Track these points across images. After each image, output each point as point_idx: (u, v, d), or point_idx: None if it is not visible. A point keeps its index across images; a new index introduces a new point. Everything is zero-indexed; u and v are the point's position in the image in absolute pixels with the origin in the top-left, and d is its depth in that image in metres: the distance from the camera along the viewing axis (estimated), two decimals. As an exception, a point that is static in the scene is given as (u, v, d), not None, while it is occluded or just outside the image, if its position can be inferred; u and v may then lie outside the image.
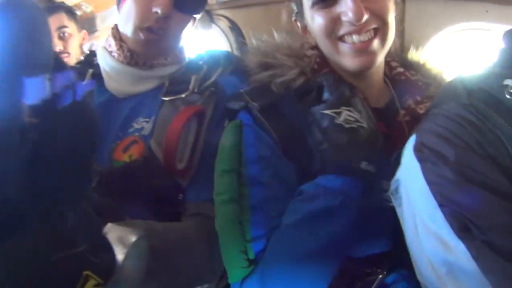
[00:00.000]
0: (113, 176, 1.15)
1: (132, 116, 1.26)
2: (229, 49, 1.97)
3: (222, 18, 1.97)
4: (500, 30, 1.30)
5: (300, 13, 1.10)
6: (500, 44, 0.83)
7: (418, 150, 0.74)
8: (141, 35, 1.24)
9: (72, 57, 2.21)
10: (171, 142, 1.16)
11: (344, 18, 0.99)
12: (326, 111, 0.91)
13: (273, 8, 1.71)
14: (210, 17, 1.99)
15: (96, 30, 2.72)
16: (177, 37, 1.32)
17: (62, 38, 2.22)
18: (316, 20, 1.03)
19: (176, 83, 1.28)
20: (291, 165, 1.00)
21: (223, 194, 0.99)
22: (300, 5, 1.08)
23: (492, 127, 0.70)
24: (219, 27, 1.99)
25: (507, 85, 0.70)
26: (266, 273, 0.91)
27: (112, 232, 0.88)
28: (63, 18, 2.24)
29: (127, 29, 1.26)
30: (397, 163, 0.88)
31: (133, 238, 0.89)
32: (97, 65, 1.36)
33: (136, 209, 1.10)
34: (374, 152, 0.91)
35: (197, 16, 1.34)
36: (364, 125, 0.88)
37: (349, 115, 0.90)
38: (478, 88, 0.76)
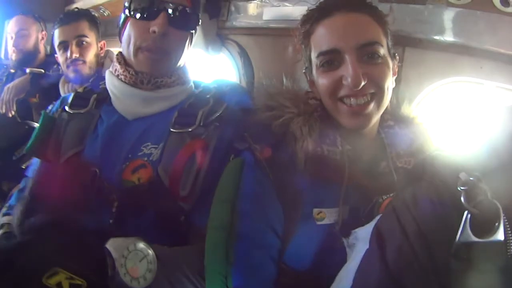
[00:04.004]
0: (125, 196, 1.26)
1: (141, 139, 1.33)
2: (236, 72, 2.04)
3: (232, 43, 2.03)
4: (492, 85, 1.37)
5: (309, 69, 1.18)
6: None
7: (373, 233, 0.82)
8: (142, 56, 1.32)
9: (86, 66, 2.26)
10: (176, 173, 1.25)
11: (344, 82, 1.07)
12: None
13: (280, 40, 1.77)
14: (221, 41, 2.04)
15: (111, 34, 2.74)
16: (178, 54, 1.39)
17: (79, 46, 2.24)
18: (321, 80, 1.13)
19: (184, 115, 1.34)
20: (279, 205, 1.11)
21: (215, 220, 1.13)
22: (309, 62, 1.17)
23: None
24: (228, 51, 2.04)
25: (459, 178, 0.75)
26: None
27: (113, 243, 1.05)
28: (85, 27, 2.27)
29: (129, 52, 1.34)
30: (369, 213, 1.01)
31: (135, 244, 1.07)
32: (104, 89, 1.44)
33: (142, 227, 1.21)
34: None
35: (193, 32, 1.41)
36: None
37: None
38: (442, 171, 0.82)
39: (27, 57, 2.73)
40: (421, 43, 1.46)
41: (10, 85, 2.56)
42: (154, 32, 1.29)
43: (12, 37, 2.72)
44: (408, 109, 1.27)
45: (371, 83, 1.07)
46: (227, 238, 1.10)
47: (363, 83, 1.05)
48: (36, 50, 2.77)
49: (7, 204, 2.02)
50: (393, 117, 1.25)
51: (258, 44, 1.97)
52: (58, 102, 1.53)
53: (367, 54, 1.07)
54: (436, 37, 1.42)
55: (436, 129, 1.30)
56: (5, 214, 1.97)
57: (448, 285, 0.72)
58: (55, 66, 2.61)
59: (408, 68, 1.49)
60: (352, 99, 1.08)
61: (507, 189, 0.73)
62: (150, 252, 1.10)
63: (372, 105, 1.09)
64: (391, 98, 1.19)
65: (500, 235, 0.70)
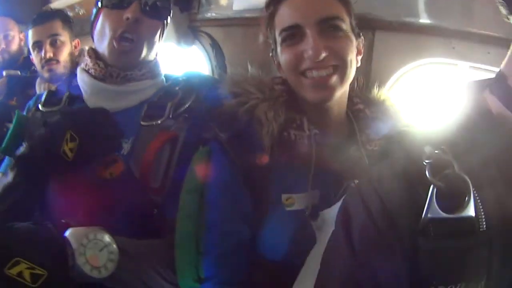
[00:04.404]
0: (98, 190, 1.25)
1: None
2: (209, 65, 2.02)
3: (204, 35, 2.00)
4: (466, 66, 1.34)
5: (275, 50, 1.17)
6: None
7: (338, 214, 0.78)
8: (115, 45, 1.31)
9: (61, 65, 2.24)
10: (146, 165, 1.25)
11: (305, 55, 1.07)
12: None
13: (251, 30, 1.74)
14: (193, 34, 2.02)
15: (86, 33, 2.74)
16: (150, 44, 1.38)
17: (53, 45, 2.22)
18: (284, 56, 1.12)
19: (153, 108, 1.34)
20: (248, 192, 1.10)
21: (184, 211, 1.14)
22: (275, 43, 1.17)
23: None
24: (201, 43, 2.02)
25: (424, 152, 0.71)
26: None
27: (73, 232, 1.06)
28: (58, 27, 2.24)
29: (103, 43, 1.34)
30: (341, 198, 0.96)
31: (94, 233, 1.08)
32: (75, 87, 1.43)
33: (115, 221, 1.19)
34: None
35: (165, 22, 1.41)
36: None
37: None
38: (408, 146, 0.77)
39: (12, 59, 2.72)
40: (391, 26, 1.43)
41: None
42: (128, 18, 1.29)
43: None
44: (379, 92, 1.26)
45: (332, 55, 1.07)
46: (196, 228, 1.10)
47: (324, 54, 1.05)
48: (21, 52, 2.77)
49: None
50: (363, 101, 1.24)
51: (230, 35, 1.95)
52: (32, 101, 1.52)
53: (328, 28, 1.07)
54: (407, 19, 1.40)
55: (409, 111, 1.27)
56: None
57: (416, 263, 0.67)
58: (33, 68, 2.59)
59: (379, 51, 1.47)
60: (314, 72, 1.07)
61: (477, 162, 0.68)
62: (111, 241, 1.09)
63: (335, 78, 1.08)
64: (360, 81, 1.19)
65: (470, 210, 0.66)
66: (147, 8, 1.32)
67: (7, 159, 1.45)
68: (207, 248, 1.09)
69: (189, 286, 1.10)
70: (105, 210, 1.23)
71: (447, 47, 1.34)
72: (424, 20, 1.38)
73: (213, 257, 1.08)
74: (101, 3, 1.34)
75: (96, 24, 1.37)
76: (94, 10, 1.39)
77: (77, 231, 1.07)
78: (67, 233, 1.06)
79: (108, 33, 1.32)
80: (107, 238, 1.09)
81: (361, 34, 1.16)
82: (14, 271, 0.95)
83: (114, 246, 1.09)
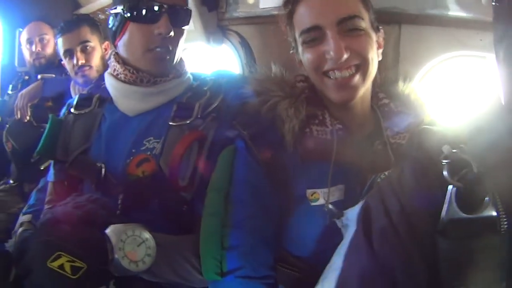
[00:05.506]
0: (130, 188, 1.32)
1: (144, 135, 1.37)
2: (239, 63, 2.03)
3: (233, 33, 2.02)
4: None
5: (296, 48, 1.19)
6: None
7: (359, 215, 0.79)
8: (151, 55, 1.34)
9: (94, 70, 2.28)
10: (174, 164, 1.27)
11: (327, 56, 1.08)
12: None
13: (279, 27, 1.75)
14: (222, 32, 2.04)
15: None
16: (179, 50, 1.41)
17: (84, 51, 2.27)
18: (306, 56, 1.14)
19: (182, 109, 1.38)
20: (272, 188, 1.14)
21: (210, 208, 1.18)
22: (295, 42, 1.18)
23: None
24: (230, 42, 2.04)
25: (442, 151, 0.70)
26: None
27: (113, 229, 1.14)
28: (87, 32, 2.28)
29: (134, 54, 1.36)
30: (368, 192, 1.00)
31: (133, 230, 1.15)
32: (104, 89, 1.48)
33: (147, 217, 1.26)
34: None
35: (187, 27, 1.42)
36: None
37: None
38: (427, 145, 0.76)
39: (48, 62, 2.79)
40: (418, 19, 1.43)
41: (23, 92, 2.61)
42: (160, 34, 1.31)
43: (32, 42, 2.77)
44: (404, 86, 1.26)
45: (354, 55, 1.08)
46: (221, 225, 1.14)
47: (345, 56, 1.07)
48: (57, 55, 2.75)
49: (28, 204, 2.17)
50: (388, 95, 1.25)
51: (259, 32, 1.96)
52: (65, 106, 1.57)
53: (348, 28, 1.08)
54: (433, 12, 1.39)
55: (437, 105, 1.28)
56: (25, 213, 2.08)
57: (435, 265, 0.68)
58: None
59: (405, 45, 1.47)
60: (336, 72, 1.10)
61: (497, 160, 0.67)
62: (149, 237, 1.15)
63: (357, 77, 1.10)
64: (386, 75, 1.20)
65: (491, 210, 0.65)
66: (175, 18, 1.33)
67: (51, 167, 1.54)
68: (232, 244, 1.12)
69: (212, 278, 1.13)
70: (137, 207, 1.31)
71: (474, 39, 1.34)
72: (451, 12, 1.37)
73: (237, 252, 1.11)
74: (128, 16, 1.32)
75: (121, 35, 1.36)
76: (115, 19, 1.37)
77: (117, 228, 1.14)
78: (108, 230, 1.13)
79: (140, 47, 1.34)
80: (145, 234, 1.15)
81: (379, 27, 1.17)
82: (56, 263, 1.04)
83: (152, 241, 1.15)
